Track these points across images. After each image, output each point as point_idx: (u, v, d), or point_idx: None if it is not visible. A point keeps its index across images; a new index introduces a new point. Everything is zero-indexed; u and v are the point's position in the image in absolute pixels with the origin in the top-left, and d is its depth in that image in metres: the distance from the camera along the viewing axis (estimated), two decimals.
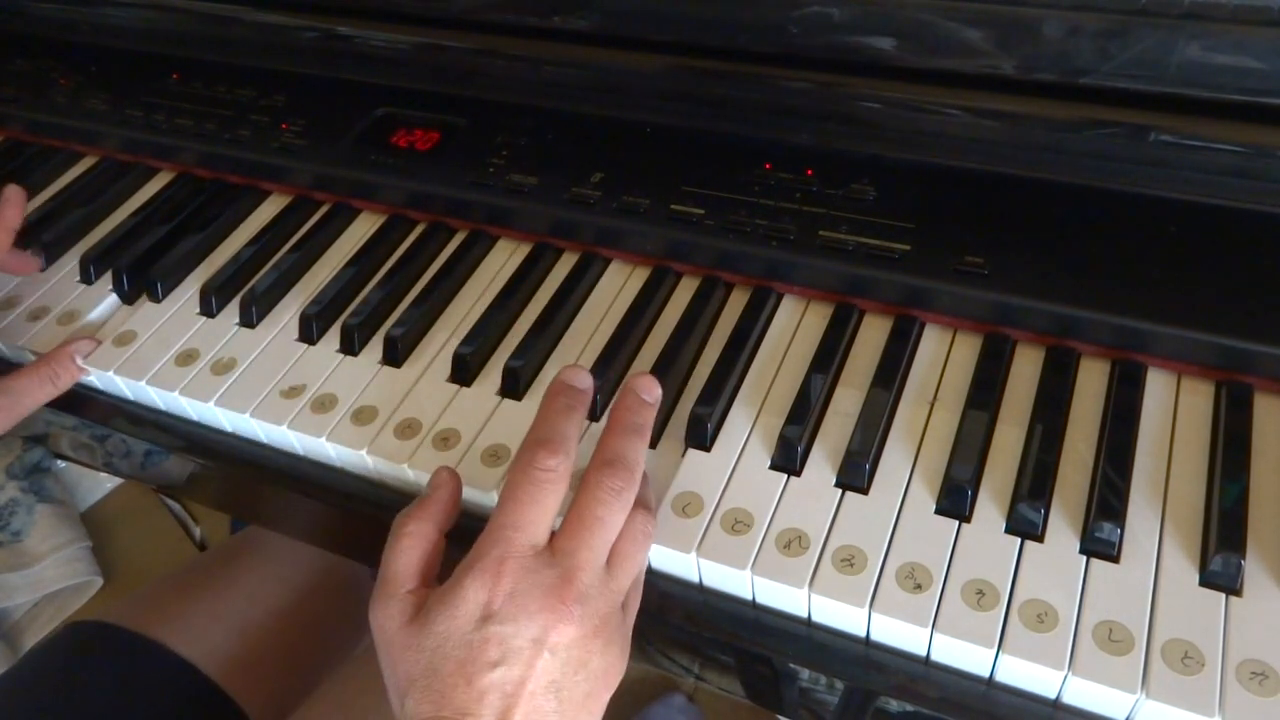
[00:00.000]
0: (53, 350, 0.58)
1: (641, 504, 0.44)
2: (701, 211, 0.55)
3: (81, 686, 0.59)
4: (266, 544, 0.71)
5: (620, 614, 0.42)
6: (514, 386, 0.52)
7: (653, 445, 0.49)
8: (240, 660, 0.63)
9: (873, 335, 0.52)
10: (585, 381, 0.47)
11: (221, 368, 0.56)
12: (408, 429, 0.51)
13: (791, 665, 0.45)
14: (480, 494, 0.48)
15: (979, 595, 0.40)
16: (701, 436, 0.48)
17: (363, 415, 0.52)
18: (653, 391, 0.46)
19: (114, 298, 0.63)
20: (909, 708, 0.43)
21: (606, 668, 0.41)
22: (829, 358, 0.50)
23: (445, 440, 0.50)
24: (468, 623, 0.40)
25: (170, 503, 1.36)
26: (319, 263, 0.63)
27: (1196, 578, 0.40)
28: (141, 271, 0.63)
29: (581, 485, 0.43)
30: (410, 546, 0.43)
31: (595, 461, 0.43)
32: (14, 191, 0.63)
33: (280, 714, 0.63)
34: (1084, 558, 0.41)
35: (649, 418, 0.46)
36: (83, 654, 0.61)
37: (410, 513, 0.44)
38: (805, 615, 0.44)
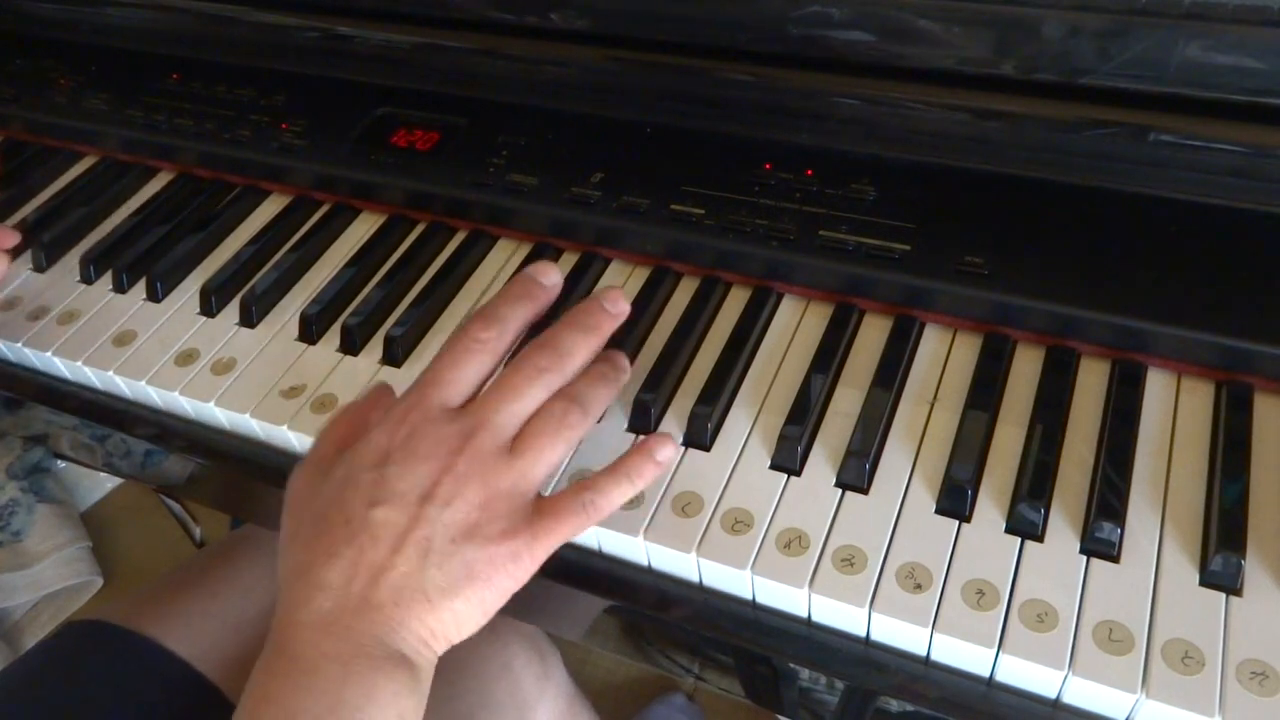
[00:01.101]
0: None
1: (573, 398, 0.43)
2: (701, 211, 0.55)
3: (77, 685, 0.59)
4: (263, 542, 0.70)
5: (525, 502, 0.41)
6: None
7: None
8: (237, 658, 0.63)
9: (873, 335, 0.52)
10: (551, 279, 0.46)
11: (221, 367, 0.56)
12: None
13: (791, 665, 0.45)
14: None
15: (979, 595, 0.40)
16: (701, 436, 0.48)
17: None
18: (617, 304, 0.46)
19: (114, 297, 0.63)
20: (909, 708, 0.43)
21: (494, 556, 0.39)
22: (829, 357, 0.50)
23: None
24: (362, 466, 0.40)
25: (170, 503, 1.36)
26: (319, 262, 0.63)
27: (1197, 577, 0.40)
28: (141, 271, 0.63)
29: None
30: (335, 423, 0.44)
31: (530, 343, 0.44)
32: None
33: None
34: (1084, 557, 0.41)
35: (604, 324, 0.45)
36: (79, 653, 0.61)
37: (346, 405, 0.45)
38: (805, 615, 0.44)
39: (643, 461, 0.43)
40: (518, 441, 0.42)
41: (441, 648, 0.40)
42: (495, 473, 0.40)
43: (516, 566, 0.40)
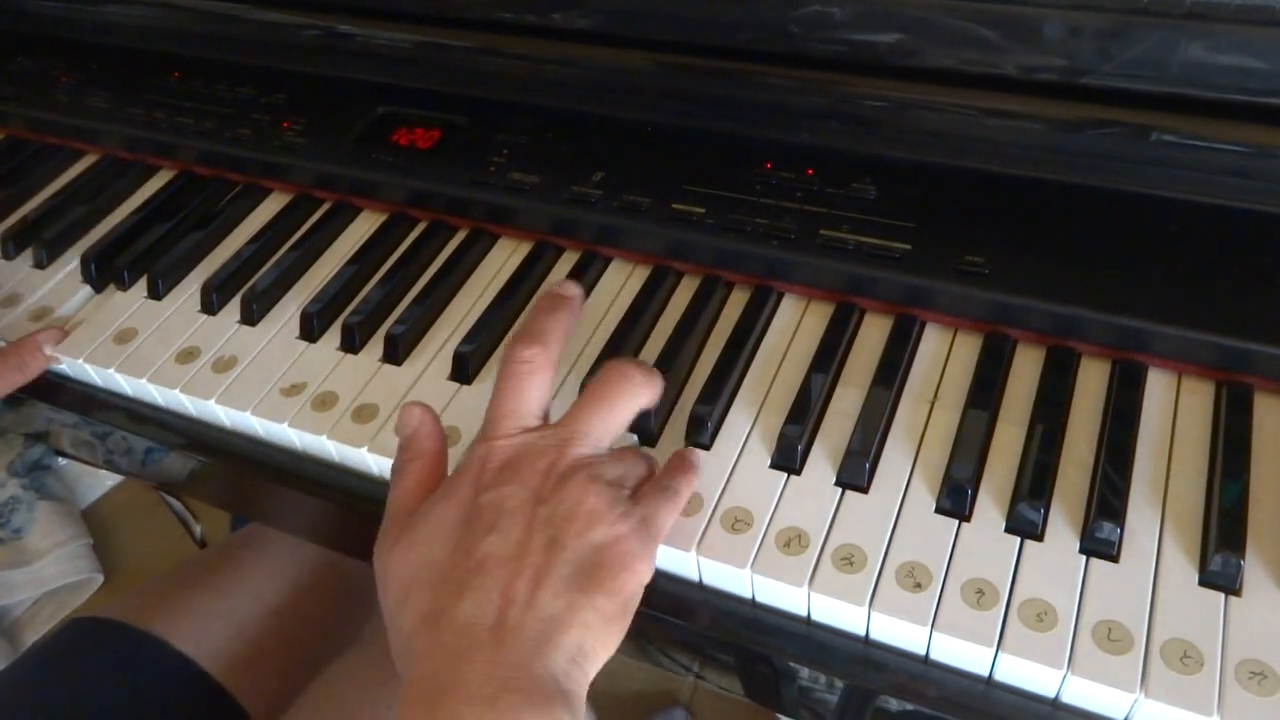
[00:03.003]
0: (20, 339, 0.59)
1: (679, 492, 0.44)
2: (702, 210, 0.55)
3: (81, 682, 0.59)
4: (268, 541, 0.71)
5: (625, 494, 0.41)
6: None
7: (654, 444, 0.49)
8: (241, 657, 0.63)
9: (873, 334, 0.52)
10: (573, 289, 0.48)
11: (222, 365, 0.56)
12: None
13: (791, 664, 0.45)
14: None
15: (979, 594, 0.40)
16: (702, 435, 0.48)
17: (363, 413, 0.52)
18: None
19: (115, 295, 0.63)
20: (909, 707, 0.43)
21: (620, 535, 0.38)
22: (829, 357, 0.50)
23: (446, 438, 0.50)
24: (461, 503, 0.39)
25: (171, 500, 1.36)
26: (320, 261, 0.63)
27: (1196, 577, 0.40)
28: (143, 269, 0.63)
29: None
30: (407, 474, 0.42)
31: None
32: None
33: (280, 710, 0.63)
34: (1084, 557, 0.41)
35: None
36: (83, 650, 0.61)
37: (399, 455, 0.44)
38: (805, 614, 0.44)
39: (683, 464, 0.44)
40: (639, 493, 0.42)
41: (591, 666, 0.37)
42: (596, 466, 0.40)
43: (643, 544, 0.39)
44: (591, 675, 0.37)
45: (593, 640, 0.37)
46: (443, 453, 0.44)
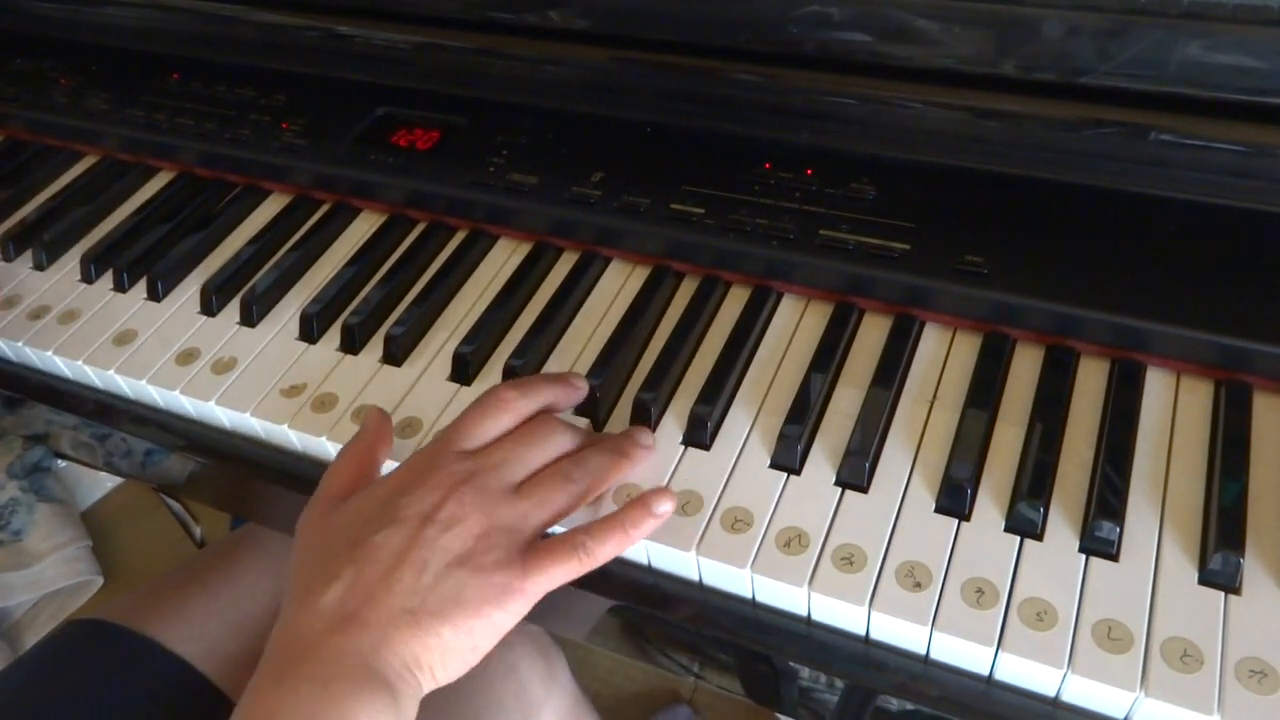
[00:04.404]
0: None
1: (580, 461, 0.44)
2: (701, 211, 0.55)
3: (77, 684, 0.59)
4: (264, 541, 0.71)
5: (521, 540, 0.42)
6: None
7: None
8: (237, 658, 0.63)
9: (872, 334, 0.52)
10: (582, 383, 0.50)
11: (222, 366, 0.56)
12: (408, 428, 0.51)
13: (791, 664, 0.45)
14: None
15: (978, 594, 0.40)
16: (701, 435, 0.48)
17: (363, 414, 0.52)
18: (578, 381, 0.49)
19: (114, 296, 0.63)
20: (909, 706, 0.43)
21: (484, 584, 0.40)
22: (829, 357, 0.50)
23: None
24: (375, 499, 0.42)
25: (171, 502, 1.36)
26: (319, 262, 0.63)
27: (1195, 576, 0.40)
28: (142, 270, 0.63)
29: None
30: (344, 463, 0.45)
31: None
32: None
33: None
34: (1083, 556, 0.41)
35: (573, 384, 0.49)
36: (79, 652, 0.61)
37: (349, 442, 0.47)
38: (805, 614, 0.44)
39: (641, 514, 0.43)
40: (524, 486, 0.43)
41: (426, 680, 0.40)
42: (497, 507, 0.42)
43: (506, 599, 0.40)
44: (426, 686, 0.40)
45: (430, 659, 0.39)
46: (375, 447, 0.47)
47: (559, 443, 0.45)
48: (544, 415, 0.47)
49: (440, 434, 0.45)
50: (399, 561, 0.40)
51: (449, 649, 0.39)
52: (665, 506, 0.44)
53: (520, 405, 0.46)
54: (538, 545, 0.42)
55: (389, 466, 0.49)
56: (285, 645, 0.40)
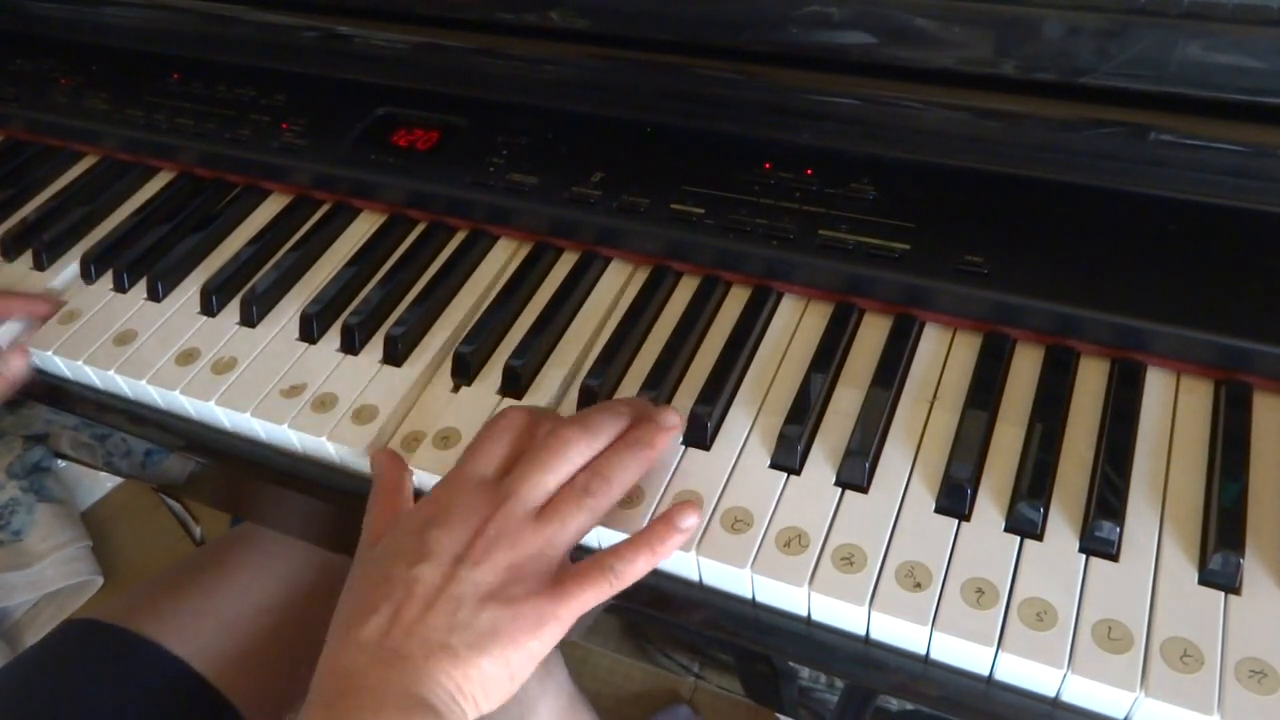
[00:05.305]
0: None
1: (596, 471, 0.44)
2: (701, 211, 0.55)
3: (74, 685, 0.59)
4: (260, 541, 0.70)
5: (550, 567, 0.42)
6: (515, 385, 0.52)
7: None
8: (233, 658, 0.63)
9: (872, 334, 0.52)
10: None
11: (222, 367, 0.56)
12: (409, 437, 0.51)
13: (791, 664, 0.45)
14: None
15: (978, 594, 0.40)
16: (701, 435, 0.48)
17: (364, 414, 0.52)
18: (686, 519, 0.45)
19: (114, 297, 0.63)
20: (909, 706, 0.43)
21: (518, 616, 0.40)
22: (829, 357, 0.50)
23: (446, 439, 0.50)
24: (406, 532, 0.43)
25: (171, 502, 1.36)
26: (319, 262, 0.63)
27: (1195, 576, 0.40)
28: (142, 271, 0.63)
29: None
30: (377, 506, 0.46)
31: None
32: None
33: (274, 712, 0.63)
34: (1083, 556, 0.41)
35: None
36: (76, 652, 0.61)
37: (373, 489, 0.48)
38: (805, 614, 0.44)
39: (666, 531, 0.43)
40: (544, 510, 0.43)
41: (470, 709, 0.40)
42: (522, 538, 0.42)
43: (540, 628, 0.41)
44: (471, 714, 0.41)
45: (472, 689, 0.40)
46: (398, 486, 0.47)
47: (575, 456, 0.45)
48: (556, 428, 0.46)
49: (459, 463, 0.46)
50: (434, 597, 0.40)
51: (489, 679, 0.40)
52: (690, 521, 0.44)
53: (529, 425, 0.46)
54: (567, 570, 0.42)
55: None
56: (332, 678, 0.40)
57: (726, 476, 0.46)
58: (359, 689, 0.39)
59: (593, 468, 0.45)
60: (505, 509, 0.43)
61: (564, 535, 0.43)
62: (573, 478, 0.44)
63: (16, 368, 0.60)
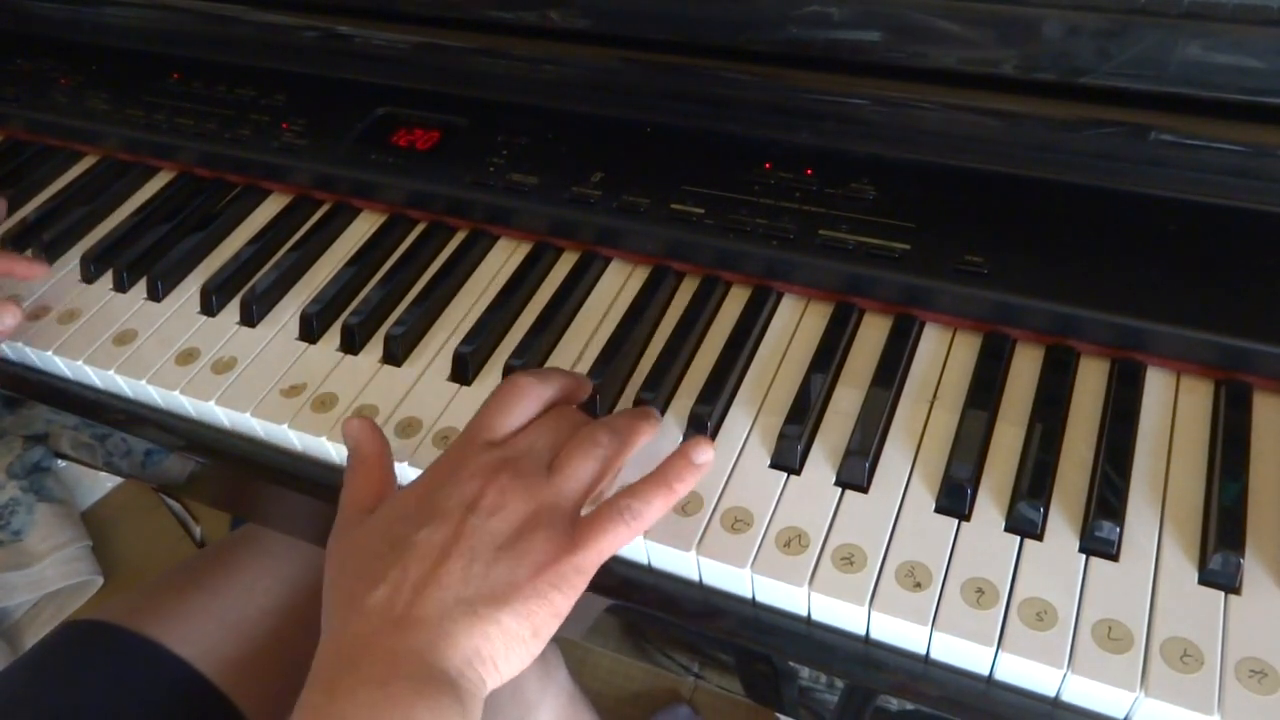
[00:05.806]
0: None
1: (604, 423, 0.44)
2: (701, 211, 0.55)
3: (76, 686, 0.59)
4: (263, 541, 0.70)
5: (566, 517, 0.41)
6: None
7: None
8: (236, 659, 0.63)
9: (872, 334, 0.52)
10: (587, 388, 0.50)
11: (222, 366, 0.56)
12: (408, 428, 0.51)
13: (791, 664, 0.45)
14: None
15: (978, 594, 0.40)
16: (702, 435, 0.48)
17: (363, 414, 0.52)
18: (700, 453, 0.45)
19: (114, 296, 0.63)
20: (909, 706, 0.43)
21: (540, 565, 0.38)
22: (829, 357, 0.50)
23: (446, 439, 0.50)
24: (408, 500, 0.41)
25: (171, 502, 1.36)
26: (319, 262, 0.63)
27: (1195, 576, 0.40)
28: (142, 270, 0.63)
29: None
30: (357, 477, 0.45)
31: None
32: None
33: (277, 713, 0.63)
34: (1083, 556, 0.41)
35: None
36: (78, 653, 0.61)
37: (348, 461, 0.46)
38: (805, 614, 0.44)
39: (682, 466, 0.42)
40: (555, 462, 0.42)
41: (490, 675, 0.38)
42: (537, 488, 0.41)
43: (562, 576, 0.39)
44: (491, 682, 0.38)
45: (491, 651, 0.38)
46: (382, 454, 0.46)
47: (580, 423, 0.45)
48: (562, 404, 0.47)
49: (465, 430, 0.45)
50: (446, 554, 0.38)
51: (510, 636, 0.38)
52: (705, 455, 0.43)
53: (539, 390, 0.45)
54: (583, 518, 0.41)
55: (401, 471, 0.49)
56: (332, 656, 0.38)
57: (726, 476, 0.46)
58: (364, 661, 0.36)
59: (599, 423, 0.44)
60: (518, 463, 0.41)
61: (576, 485, 0.42)
62: (582, 430, 0.44)
63: (8, 322, 0.60)
